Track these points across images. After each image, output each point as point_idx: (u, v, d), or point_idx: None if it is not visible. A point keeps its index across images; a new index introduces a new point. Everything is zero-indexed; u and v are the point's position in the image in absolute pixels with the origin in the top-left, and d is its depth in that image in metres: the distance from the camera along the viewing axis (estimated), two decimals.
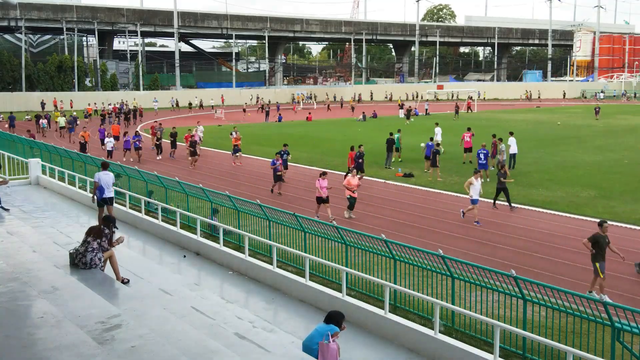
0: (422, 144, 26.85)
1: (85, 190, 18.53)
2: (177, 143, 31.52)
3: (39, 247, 11.07)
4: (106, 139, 30.86)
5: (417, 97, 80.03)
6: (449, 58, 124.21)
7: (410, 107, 58.71)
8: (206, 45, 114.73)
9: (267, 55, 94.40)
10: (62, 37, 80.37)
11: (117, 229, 10.52)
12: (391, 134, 27.73)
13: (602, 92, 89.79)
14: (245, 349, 7.69)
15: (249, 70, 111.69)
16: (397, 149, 28.14)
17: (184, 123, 48.03)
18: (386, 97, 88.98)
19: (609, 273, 12.88)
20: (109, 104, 60.73)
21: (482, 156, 23.32)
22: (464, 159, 27.68)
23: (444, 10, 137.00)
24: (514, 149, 26.13)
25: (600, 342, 8.22)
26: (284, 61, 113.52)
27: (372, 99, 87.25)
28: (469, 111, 61.74)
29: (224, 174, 26.06)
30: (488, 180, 22.89)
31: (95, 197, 15.09)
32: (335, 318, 7.65)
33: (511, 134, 26.90)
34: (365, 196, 20.79)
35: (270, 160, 22.93)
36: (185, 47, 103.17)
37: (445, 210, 18.86)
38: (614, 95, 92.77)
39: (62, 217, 15.91)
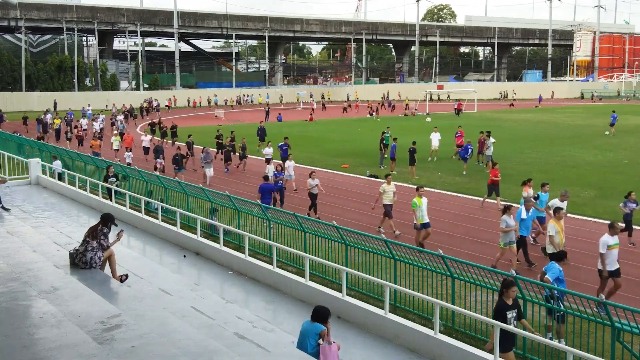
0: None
1: (86, 190, 18.53)
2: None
3: (39, 247, 11.07)
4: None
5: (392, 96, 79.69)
6: (449, 58, 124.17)
7: (415, 107, 59.13)
8: (206, 45, 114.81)
9: (267, 55, 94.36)
10: (62, 37, 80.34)
11: (117, 225, 10.50)
12: (384, 132, 28.06)
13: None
14: (245, 349, 7.69)
15: (249, 70, 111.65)
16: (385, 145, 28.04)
17: (187, 123, 47.98)
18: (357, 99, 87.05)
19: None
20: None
21: (469, 150, 25.55)
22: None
23: (444, 10, 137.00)
24: (490, 150, 26.47)
25: (600, 342, 8.22)
26: (284, 61, 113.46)
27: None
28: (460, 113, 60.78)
29: (225, 174, 26.05)
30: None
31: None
32: (321, 316, 7.65)
33: (489, 135, 27.14)
34: (363, 195, 20.81)
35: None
36: (185, 47, 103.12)
37: (444, 210, 18.85)
38: None
39: (62, 217, 15.90)
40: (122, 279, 9.97)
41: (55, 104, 62.56)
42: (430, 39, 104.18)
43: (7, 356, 6.09)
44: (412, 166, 24.52)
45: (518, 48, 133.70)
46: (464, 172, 24.83)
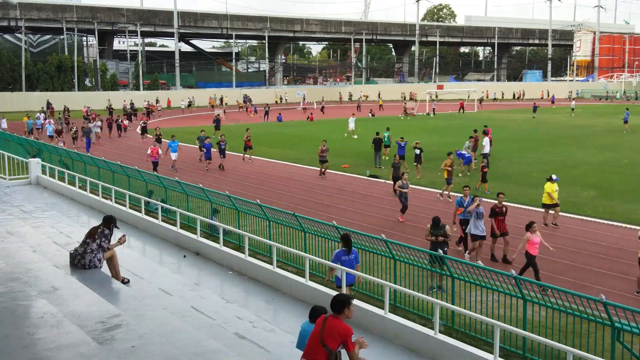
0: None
1: (85, 190, 18.54)
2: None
3: (39, 247, 11.07)
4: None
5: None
6: (449, 58, 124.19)
7: (413, 107, 59.50)
8: (206, 45, 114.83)
9: (267, 55, 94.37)
10: (62, 37, 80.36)
11: (118, 228, 10.49)
12: (377, 133, 28.35)
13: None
14: (245, 349, 7.69)
15: (249, 70, 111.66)
16: (386, 146, 29.26)
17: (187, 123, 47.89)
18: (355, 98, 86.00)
19: (609, 273, 12.90)
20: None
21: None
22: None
23: (444, 10, 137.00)
24: (487, 149, 26.33)
25: (600, 342, 8.21)
26: (284, 61, 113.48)
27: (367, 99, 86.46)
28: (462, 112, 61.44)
29: (228, 175, 26.06)
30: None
31: None
32: (320, 315, 7.65)
33: (485, 133, 27.16)
34: (363, 195, 20.81)
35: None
36: (185, 47, 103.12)
37: (444, 210, 18.84)
38: None
39: (62, 217, 15.89)
40: (124, 280, 9.94)
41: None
42: (430, 39, 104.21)
43: (7, 356, 6.09)
44: (419, 165, 25.02)
45: (518, 48, 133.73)
46: (468, 173, 24.69)
